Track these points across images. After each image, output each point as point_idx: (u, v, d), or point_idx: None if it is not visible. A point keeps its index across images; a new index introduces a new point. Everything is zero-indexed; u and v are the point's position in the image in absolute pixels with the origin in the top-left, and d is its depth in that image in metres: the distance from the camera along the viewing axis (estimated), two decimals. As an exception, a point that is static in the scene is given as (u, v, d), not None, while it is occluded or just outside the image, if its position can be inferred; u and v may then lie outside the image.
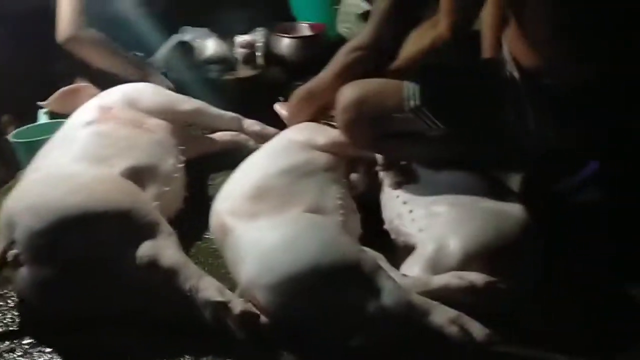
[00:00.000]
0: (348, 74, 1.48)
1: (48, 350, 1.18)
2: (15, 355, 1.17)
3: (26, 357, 1.17)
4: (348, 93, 1.44)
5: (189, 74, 2.28)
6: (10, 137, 1.84)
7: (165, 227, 1.24)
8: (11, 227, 1.19)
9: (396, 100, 1.39)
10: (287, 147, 1.51)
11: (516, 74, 1.31)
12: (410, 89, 1.38)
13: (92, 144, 1.46)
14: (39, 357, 1.17)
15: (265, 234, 1.19)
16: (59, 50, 2.08)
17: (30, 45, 2.27)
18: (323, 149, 1.52)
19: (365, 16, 2.49)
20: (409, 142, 1.46)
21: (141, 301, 1.19)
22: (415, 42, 1.61)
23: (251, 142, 1.95)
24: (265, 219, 1.24)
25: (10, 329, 1.24)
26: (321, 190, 1.39)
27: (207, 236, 1.50)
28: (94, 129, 1.53)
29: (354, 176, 1.55)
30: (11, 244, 1.19)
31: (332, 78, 1.51)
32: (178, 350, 1.16)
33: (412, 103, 1.37)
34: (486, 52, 1.60)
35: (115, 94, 1.74)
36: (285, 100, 2.01)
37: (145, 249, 1.17)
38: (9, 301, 1.31)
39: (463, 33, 1.75)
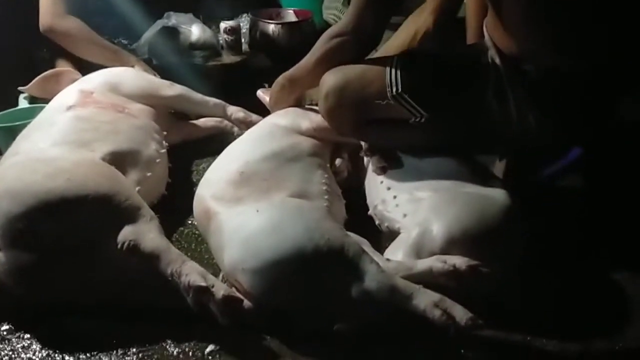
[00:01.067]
0: (330, 61, 1.46)
1: (27, 336, 1.16)
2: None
3: (4, 343, 1.15)
4: (330, 79, 1.42)
5: (173, 60, 2.26)
6: (-8, 122, 1.81)
7: (147, 212, 1.22)
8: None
9: (378, 86, 1.38)
10: (270, 132, 1.50)
11: (497, 61, 1.30)
12: (392, 75, 1.37)
13: (72, 128, 1.44)
14: (18, 343, 1.15)
15: (248, 219, 1.18)
16: (41, 34, 2.05)
17: (12, 29, 2.23)
18: (307, 134, 1.52)
19: (347, 2, 2.48)
20: (392, 128, 1.45)
21: (122, 286, 1.18)
22: (401, 32, 1.61)
23: (235, 129, 1.94)
24: (249, 204, 1.23)
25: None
26: (306, 176, 1.38)
27: (190, 222, 1.49)
28: (75, 113, 1.51)
29: (338, 161, 1.54)
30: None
31: (314, 64, 1.50)
32: (159, 336, 1.15)
33: (394, 89, 1.36)
34: (469, 39, 1.60)
35: (96, 79, 1.72)
36: (269, 86, 2.00)
37: (125, 233, 1.15)
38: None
39: (447, 22, 1.75)
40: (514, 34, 1.27)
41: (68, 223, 1.15)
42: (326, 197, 1.36)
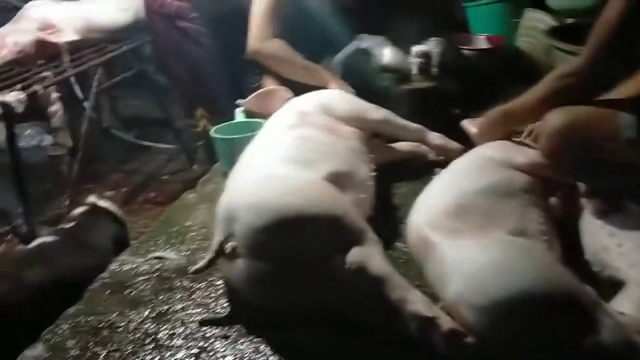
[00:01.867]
0: (556, 100, 1.43)
1: (257, 339, 1.25)
2: (225, 342, 1.25)
3: (233, 344, 1.25)
4: (556, 119, 1.40)
5: (365, 81, 2.32)
6: (212, 132, 1.99)
7: (372, 235, 1.27)
8: (231, 221, 1.28)
9: (609, 129, 1.34)
10: (484, 165, 1.49)
11: None
12: (627, 120, 1.31)
13: (296, 147, 1.53)
14: (246, 346, 1.24)
15: (474, 254, 1.18)
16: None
17: (227, 46, 2.44)
18: (522, 169, 1.49)
19: (551, 32, 2.40)
20: (619, 172, 1.39)
21: (344, 304, 1.23)
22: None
23: (431, 154, 1.95)
24: (470, 238, 1.23)
25: (220, 315, 1.33)
26: (522, 213, 1.36)
27: (396, 246, 1.52)
28: (297, 132, 1.60)
29: (552, 200, 1.50)
30: (229, 237, 1.27)
31: (537, 102, 1.48)
32: (378, 357, 1.18)
33: (628, 133, 1.31)
34: None
35: (312, 100, 1.82)
36: (461, 113, 1.99)
37: (354, 255, 1.20)
38: (218, 289, 1.42)
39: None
40: None
41: (302, 238, 1.23)
42: (544, 237, 1.33)
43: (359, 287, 1.20)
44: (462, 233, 1.26)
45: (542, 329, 1.07)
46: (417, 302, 1.14)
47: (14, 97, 2.04)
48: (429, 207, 1.38)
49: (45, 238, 1.73)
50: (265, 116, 1.95)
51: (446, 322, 1.11)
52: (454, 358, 1.11)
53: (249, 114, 2.05)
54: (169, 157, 3.72)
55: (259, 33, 2.15)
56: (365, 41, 2.53)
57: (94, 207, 1.92)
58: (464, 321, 1.13)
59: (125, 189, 3.33)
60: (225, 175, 1.96)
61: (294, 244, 1.22)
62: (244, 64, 2.61)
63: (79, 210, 1.89)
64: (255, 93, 1.99)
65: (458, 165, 1.55)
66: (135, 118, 4.04)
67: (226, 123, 2.04)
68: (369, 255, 1.21)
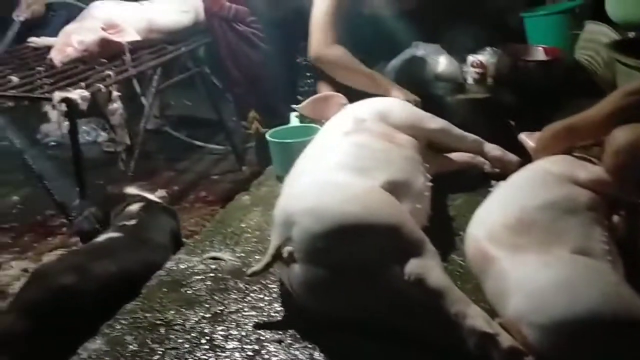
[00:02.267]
0: (622, 117, 1.40)
1: (310, 345, 1.26)
2: (279, 347, 1.26)
3: (287, 349, 1.25)
4: (623, 136, 1.36)
5: (419, 90, 2.30)
6: (267, 135, 2.01)
7: (431, 247, 1.26)
8: (288, 226, 1.29)
9: None
10: (546, 180, 1.46)
11: None
12: None
13: (353, 154, 1.53)
14: (300, 352, 1.24)
15: (537, 272, 1.16)
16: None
17: (283, 49, 2.46)
18: (584, 185, 1.45)
19: (614, 46, 2.34)
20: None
21: (399, 315, 1.22)
22: None
23: (487, 166, 1.93)
24: (532, 255, 1.21)
25: (274, 319, 1.34)
26: (586, 231, 1.32)
27: (453, 258, 1.50)
28: (353, 139, 1.60)
29: (615, 218, 1.46)
30: (286, 241, 1.28)
31: (603, 118, 1.44)
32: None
33: None
34: None
35: (368, 107, 1.82)
36: (516, 125, 1.95)
37: (413, 266, 1.20)
38: (272, 292, 1.43)
39: None
40: None
41: (360, 246, 1.23)
42: (608, 257, 1.29)
43: (416, 298, 1.19)
44: (524, 249, 1.24)
45: (606, 350, 1.04)
46: (476, 317, 1.12)
47: (78, 94, 2.10)
48: (489, 220, 1.36)
49: (111, 233, 1.78)
50: (320, 121, 1.96)
51: (506, 340, 1.09)
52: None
53: (303, 118, 2.07)
54: (220, 158, 3.78)
55: (321, 38, 2.16)
56: (421, 48, 2.52)
57: (150, 203, 1.97)
58: (523, 339, 1.11)
59: (176, 187, 3.40)
60: (278, 178, 1.99)
61: (351, 251, 1.23)
62: (299, 68, 2.63)
63: (136, 206, 1.93)
64: (310, 98, 2.00)
65: (518, 179, 1.52)
66: (188, 118, 4.12)
67: (281, 127, 2.06)
68: (427, 267, 1.20)
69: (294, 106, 2.07)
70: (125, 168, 2.54)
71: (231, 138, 3.54)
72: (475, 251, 1.33)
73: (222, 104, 3.49)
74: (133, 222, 1.81)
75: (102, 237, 1.75)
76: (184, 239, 1.97)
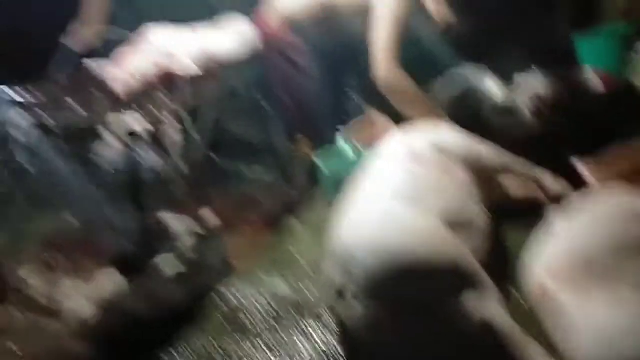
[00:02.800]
0: None
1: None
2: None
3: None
4: None
5: (471, 119, 2.27)
6: (316, 159, 2.02)
7: (491, 285, 1.24)
8: (347, 259, 1.28)
9: None
10: (613, 215, 1.41)
11: None
12: None
13: (408, 184, 1.51)
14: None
15: (604, 314, 1.13)
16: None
17: (332, 76, 2.48)
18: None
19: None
20: None
21: (460, 354, 1.19)
22: None
23: (546, 199, 1.88)
24: (599, 296, 1.17)
25: (331, 352, 1.33)
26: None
27: (512, 292, 1.47)
28: (410, 169, 1.58)
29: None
30: (345, 275, 1.27)
31: None
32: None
33: None
34: None
35: (423, 134, 1.80)
36: (575, 156, 1.90)
37: (475, 307, 1.18)
38: (327, 325, 1.42)
39: None
40: None
41: (421, 285, 1.21)
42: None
43: (477, 338, 1.16)
44: (590, 289, 1.20)
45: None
46: (536, 358, 1.09)
47: (141, 126, 2.15)
48: (552, 257, 1.33)
49: (164, 263, 1.82)
50: (367, 145, 1.96)
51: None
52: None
53: (350, 141, 2.07)
54: (267, 181, 3.80)
55: (386, 62, 2.16)
56: (471, 73, 2.48)
57: (203, 229, 2.00)
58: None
59: (224, 211, 3.43)
60: (328, 203, 1.99)
61: (412, 290, 1.21)
62: (345, 93, 2.65)
63: (192, 234, 1.96)
64: (357, 121, 2.00)
65: (583, 214, 1.47)
66: (236, 142, 4.16)
67: (329, 150, 2.07)
68: (489, 306, 1.18)
69: (340, 127, 2.07)
70: (181, 194, 2.59)
71: (279, 161, 3.56)
72: (537, 288, 1.29)
73: (271, 128, 3.52)
74: (183, 250, 1.83)
75: (155, 265, 1.78)
76: (233, 263, 1.98)
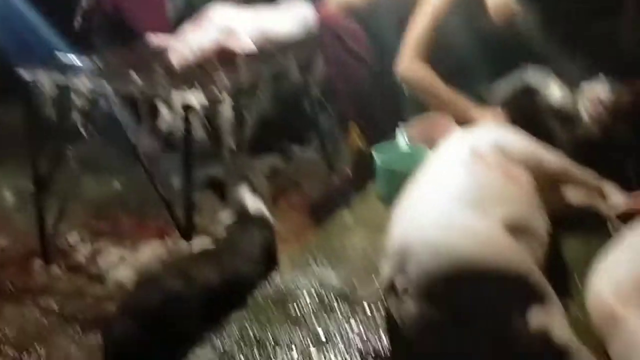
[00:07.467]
0: None
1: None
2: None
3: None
4: None
5: (528, 121, 2.20)
6: (374, 153, 2.00)
7: (555, 297, 1.20)
8: (404, 258, 1.25)
9: None
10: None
11: None
12: None
13: (471, 187, 1.47)
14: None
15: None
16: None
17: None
18: None
19: None
20: None
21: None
22: None
23: (608, 209, 1.82)
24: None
25: (381, 349, 1.32)
26: None
27: (571, 308, 1.42)
28: (471, 170, 1.54)
29: None
30: (400, 273, 1.25)
31: None
32: None
33: None
34: None
35: (485, 135, 1.75)
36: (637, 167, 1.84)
37: (537, 319, 1.14)
38: (377, 321, 1.40)
39: None
40: None
41: (481, 291, 1.18)
42: None
43: (538, 351, 1.13)
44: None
45: None
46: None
47: (197, 100, 2.15)
48: (617, 276, 1.28)
49: (206, 244, 1.83)
50: (427, 143, 1.92)
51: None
52: None
53: (410, 138, 2.04)
54: (312, 166, 3.79)
55: (411, 55, 2.13)
56: (531, 75, 2.41)
57: (245, 214, 1.98)
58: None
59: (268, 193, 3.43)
60: (382, 199, 1.96)
61: (471, 295, 1.18)
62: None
63: (230, 219, 1.96)
64: (418, 118, 1.96)
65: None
66: (285, 123, 4.15)
67: (386, 143, 2.04)
68: (553, 320, 1.15)
69: (401, 124, 2.04)
70: (228, 168, 2.59)
71: (325, 147, 3.54)
72: (600, 309, 1.25)
73: (322, 114, 3.50)
74: (224, 235, 1.83)
75: (196, 248, 1.80)
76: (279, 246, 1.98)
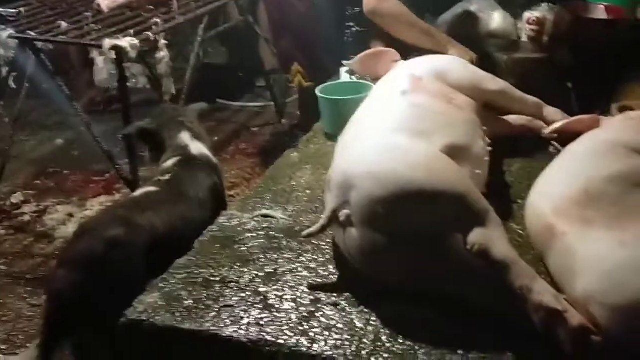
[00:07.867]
0: None
1: (366, 310, 1.24)
2: (335, 310, 1.24)
3: (343, 313, 1.24)
4: None
5: (470, 46, 2.22)
6: (318, 91, 1.96)
7: (495, 216, 1.22)
8: (347, 189, 1.25)
9: None
10: (612, 150, 1.39)
11: None
12: None
13: (411, 115, 1.47)
14: (356, 316, 1.22)
15: (608, 249, 1.12)
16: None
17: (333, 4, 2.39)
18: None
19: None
20: None
21: (459, 286, 1.19)
22: None
23: (545, 130, 1.85)
24: (603, 231, 1.16)
25: (329, 282, 1.33)
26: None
27: (512, 226, 1.46)
28: (410, 99, 1.54)
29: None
30: (344, 204, 1.25)
31: None
32: (496, 345, 1.14)
33: None
34: None
35: (425, 65, 1.74)
36: (574, 87, 1.87)
37: (477, 236, 1.16)
38: (325, 254, 1.41)
39: None
40: None
41: (422, 214, 1.19)
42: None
43: (478, 269, 1.16)
44: (593, 224, 1.19)
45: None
46: (544, 293, 1.09)
47: (127, 42, 2.07)
48: (553, 192, 1.31)
49: (148, 188, 1.78)
50: (372, 78, 1.90)
51: (575, 317, 1.06)
52: (577, 356, 1.06)
53: (354, 74, 2.01)
54: (259, 110, 3.74)
55: None
56: (474, 3, 2.42)
57: (189, 158, 1.94)
58: (591, 319, 1.08)
59: (216, 138, 3.38)
60: (327, 136, 1.95)
61: (413, 218, 1.19)
62: (348, 23, 2.55)
63: (172, 161, 1.91)
64: (362, 53, 1.93)
65: (582, 148, 1.45)
66: (228, 68, 4.06)
67: (331, 82, 2.01)
68: (492, 237, 1.17)
69: (344, 62, 2.01)
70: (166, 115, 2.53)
71: (272, 90, 3.49)
72: (538, 224, 1.28)
73: (264, 55, 3.44)
74: (167, 177, 1.79)
75: (139, 191, 1.76)
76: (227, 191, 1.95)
